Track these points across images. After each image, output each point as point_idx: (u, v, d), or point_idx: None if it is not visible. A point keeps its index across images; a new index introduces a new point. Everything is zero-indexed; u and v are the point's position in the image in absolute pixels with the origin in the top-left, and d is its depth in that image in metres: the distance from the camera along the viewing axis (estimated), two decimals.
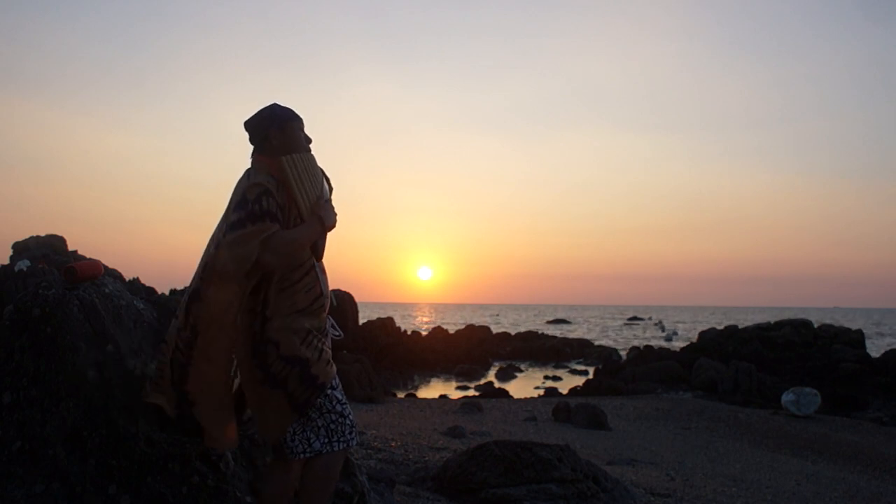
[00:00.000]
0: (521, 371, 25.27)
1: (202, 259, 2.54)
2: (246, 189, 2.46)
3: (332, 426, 2.55)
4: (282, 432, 2.52)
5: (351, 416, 2.61)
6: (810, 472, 8.25)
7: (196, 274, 2.54)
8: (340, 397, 2.59)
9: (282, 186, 2.51)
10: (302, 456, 2.54)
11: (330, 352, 2.59)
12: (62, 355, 2.60)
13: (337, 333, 2.72)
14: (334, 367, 2.59)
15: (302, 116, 2.67)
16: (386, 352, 22.95)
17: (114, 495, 2.56)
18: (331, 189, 2.72)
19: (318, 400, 2.53)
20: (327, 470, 2.57)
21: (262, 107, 2.64)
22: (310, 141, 2.67)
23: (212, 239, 2.55)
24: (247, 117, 2.63)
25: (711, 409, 13.41)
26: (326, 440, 2.54)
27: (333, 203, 2.71)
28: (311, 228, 2.52)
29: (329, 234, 2.70)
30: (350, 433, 2.59)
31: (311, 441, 2.53)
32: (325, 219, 2.56)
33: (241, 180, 2.55)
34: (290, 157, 2.54)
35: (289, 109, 2.63)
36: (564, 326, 64.60)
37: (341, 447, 2.57)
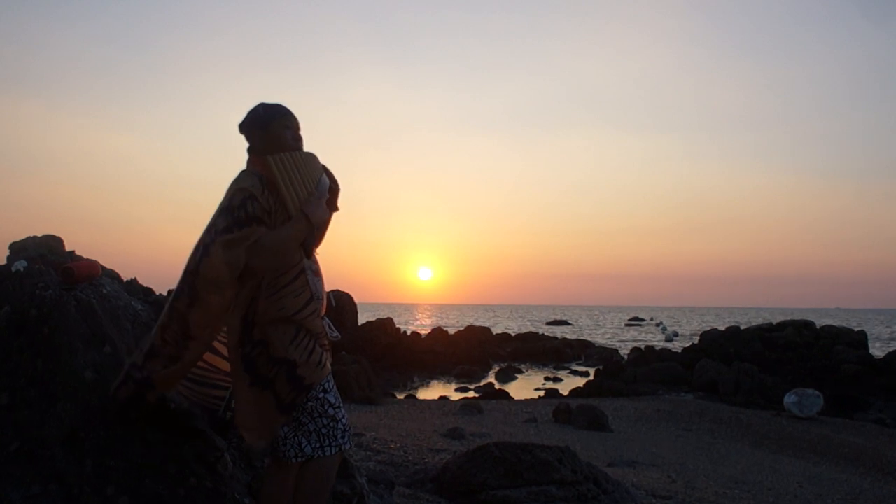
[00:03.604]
0: (521, 372, 25.26)
1: (189, 261, 2.48)
2: (231, 194, 2.44)
3: (324, 430, 2.52)
4: (271, 434, 2.50)
5: (344, 420, 2.58)
6: (812, 473, 8.23)
7: (184, 275, 2.48)
8: (333, 401, 2.56)
9: (269, 187, 2.47)
10: (294, 460, 2.52)
11: (323, 353, 2.55)
12: (59, 356, 2.59)
13: (334, 335, 2.69)
14: (327, 369, 2.54)
15: (295, 113, 2.58)
16: (385, 353, 22.93)
17: (111, 496, 2.54)
18: (336, 185, 2.66)
19: (310, 404, 2.50)
20: (322, 473, 2.55)
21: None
22: (299, 139, 2.59)
23: (199, 242, 2.49)
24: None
25: (713, 411, 13.39)
26: (318, 444, 2.52)
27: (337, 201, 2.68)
28: (296, 226, 2.45)
29: (328, 233, 2.67)
30: (342, 437, 2.56)
31: (303, 446, 2.51)
32: (311, 215, 2.48)
33: (232, 181, 2.51)
34: (276, 156, 2.48)
35: (275, 108, 2.56)
36: (564, 327, 64.59)
37: (333, 451, 2.54)
